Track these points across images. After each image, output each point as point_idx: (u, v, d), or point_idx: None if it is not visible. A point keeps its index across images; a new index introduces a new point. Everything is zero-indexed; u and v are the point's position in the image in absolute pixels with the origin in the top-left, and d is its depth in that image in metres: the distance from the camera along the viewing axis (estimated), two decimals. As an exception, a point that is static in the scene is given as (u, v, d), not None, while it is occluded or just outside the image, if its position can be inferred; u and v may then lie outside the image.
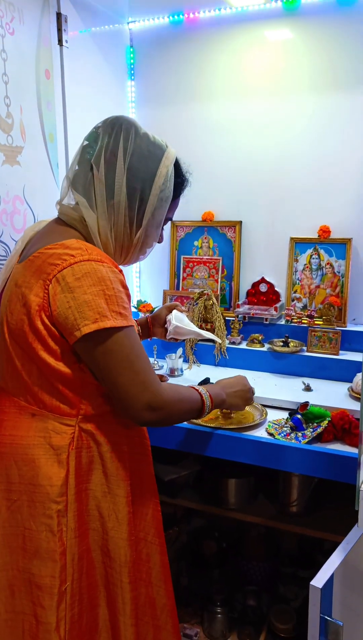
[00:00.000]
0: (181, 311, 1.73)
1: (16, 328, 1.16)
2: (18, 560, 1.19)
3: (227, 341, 2.21)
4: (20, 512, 1.19)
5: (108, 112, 2.25)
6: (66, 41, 1.86)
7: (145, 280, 2.59)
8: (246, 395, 1.56)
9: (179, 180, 1.29)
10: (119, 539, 1.24)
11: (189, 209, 2.44)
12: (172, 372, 2.11)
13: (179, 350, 2.13)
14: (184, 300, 2.36)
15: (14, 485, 1.19)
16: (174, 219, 2.45)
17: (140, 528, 1.32)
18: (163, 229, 1.33)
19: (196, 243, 2.44)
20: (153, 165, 1.20)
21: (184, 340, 1.86)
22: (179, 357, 2.12)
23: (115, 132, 1.19)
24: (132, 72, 2.41)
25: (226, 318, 2.26)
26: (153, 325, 1.78)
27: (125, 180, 1.17)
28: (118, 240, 1.22)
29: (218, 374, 2.09)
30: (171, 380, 2.00)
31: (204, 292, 2.24)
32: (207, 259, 2.41)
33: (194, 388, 1.36)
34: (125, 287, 1.16)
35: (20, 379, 1.20)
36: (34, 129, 1.72)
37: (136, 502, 1.30)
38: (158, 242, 1.34)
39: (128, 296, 1.16)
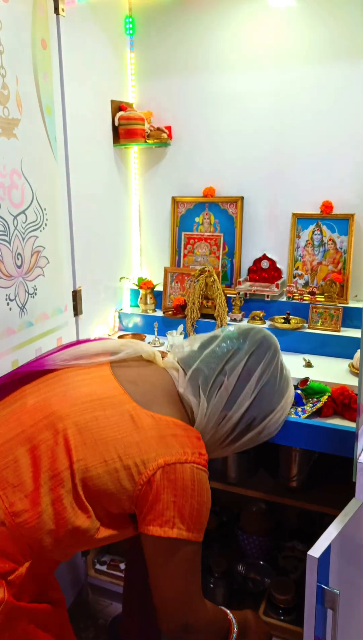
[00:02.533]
0: None
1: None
2: None
3: (228, 318, 2.20)
4: None
5: (107, 84, 2.24)
6: (63, 10, 1.82)
7: (146, 257, 2.58)
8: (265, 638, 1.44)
9: None
10: None
11: (190, 185, 2.42)
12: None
13: (180, 328, 2.13)
14: (185, 278, 2.35)
15: None
16: (175, 194, 2.45)
17: None
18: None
19: (197, 219, 2.42)
20: (276, 400, 1.25)
21: None
22: (180, 333, 2.12)
23: (260, 351, 1.23)
24: (131, 43, 2.37)
25: (228, 295, 2.25)
26: None
27: (248, 402, 1.20)
28: (210, 440, 1.24)
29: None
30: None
31: (206, 269, 2.22)
32: (208, 235, 2.40)
33: (229, 617, 1.31)
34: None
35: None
36: (30, 100, 1.69)
37: None
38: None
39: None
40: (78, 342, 1.37)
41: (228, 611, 1.32)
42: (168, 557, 1.11)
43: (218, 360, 1.21)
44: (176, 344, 1.33)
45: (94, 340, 1.38)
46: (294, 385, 1.69)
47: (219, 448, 1.26)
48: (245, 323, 1.32)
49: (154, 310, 2.41)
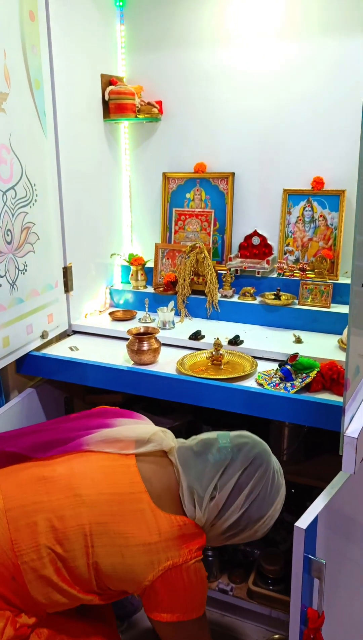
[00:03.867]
0: None
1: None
2: None
3: (219, 294, 2.21)
4: None
5: (97, 58, 2.21)
6: (51, -19, 1.79)
7: (136, 233, 2.57)
8: None
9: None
10: None
11: (181, 160, 2.40)
12: (164, 325, 2.11)
13: (171, 304, 2.13)
14: (176, 254, 2.35)
15: None
16: (165, 170, 2.43)
17: None
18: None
19: (188, 195, 2.40)
20: (266, 509, 1.30)
21: None
22: (171, 310, 2.12)
23: (252, 469, 1.30)
24: (121, 15, 2.32)
25: (218, 271, 2.25)
26: None
27: (237, 515, 1.28)
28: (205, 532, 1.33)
29: (209, 326, 2.10)
30: (162, 333, 2.00)
31: (196, 245, 2.22)
32: (199, 211, 2.39)
33: None
34: None
35: None
36: (19, 74, 1.66)
37: None
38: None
39: None
40: (107, 412, 1.50)
41: None
42: (175, 633, 1.27)
43: (211, 474, 1.29)
44: (180, 443, 1.42)
45: (124, 417, 1.46)
46: (284, 361, 1.71)
47: (219, 541, 1.36)
48: (241, 432, 1.42)
49: (145, 287, 2.41)
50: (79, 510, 1.22)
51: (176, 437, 1.97)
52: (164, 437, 1.39)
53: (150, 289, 2.39)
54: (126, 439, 1.35)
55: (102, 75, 2.22)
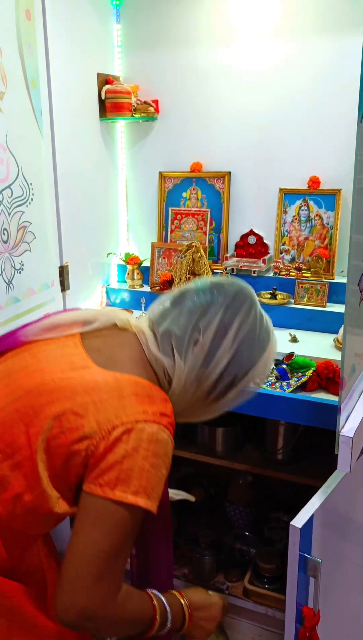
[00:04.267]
0: None
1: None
2: None
3: (215, 293, 2.21)
4: None
5: (93, 57, 2.20)
6: (47, -20, 1.79)
7: (133, 232, 2.57)
8: (211, 626, 1.24)
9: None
10: None
11: (177, 160, 2.40)
12: (160, 324, 2.11)
13: (167, 303, 2.14)
14: (172, 253, 2.35)
15: None
16: (162, 169, 2.43)
17: None
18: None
19: (184, 194, 2.41)
20: (257, 354, 1.13)
21: None
22: (168, 309, 2.12)
23: (235, 305, 1.11)
24: (118, 14, 2.32)
25: (215, 270, 2.26)
26: None
27: (226, 359, 1.09)
28: (189, 404, 1.14)
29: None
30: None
31: (193, 244, 2.22)
32: (195, 210, 2.39)
33: (153, 603, 1.08)
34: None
35: None
36: (15, 73, 1.66)
37: None
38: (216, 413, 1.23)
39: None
40: (53, 314, 1.24)
41: (156, 596, 1.11)
42: (98, 520, 0.95)
43: (191, 316, 1.10)
44: (151, 306, 1.20)
45: (70, 310, 1.26)
46: (280, 360, 1.72)
47: (205, 406, 1.17)
48: (217, 276, 1.18)
49: (141, 286, 2.41)
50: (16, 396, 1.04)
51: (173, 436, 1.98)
52: (116, 313, 1.20)
53: (146, 288, 2.39)
54: (67, 322, 1.16)
55: (98, 74, 2.22)
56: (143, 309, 2.23)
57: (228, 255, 2.31)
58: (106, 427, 0.95)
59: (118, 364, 1.07)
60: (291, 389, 1.59)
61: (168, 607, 1.10)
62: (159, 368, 1.11)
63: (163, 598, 1.10)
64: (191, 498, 1.68)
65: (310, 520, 1.14)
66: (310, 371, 1.63)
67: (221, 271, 2.24)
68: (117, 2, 2.29)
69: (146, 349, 1.11)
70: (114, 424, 0.96)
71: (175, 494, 1.57)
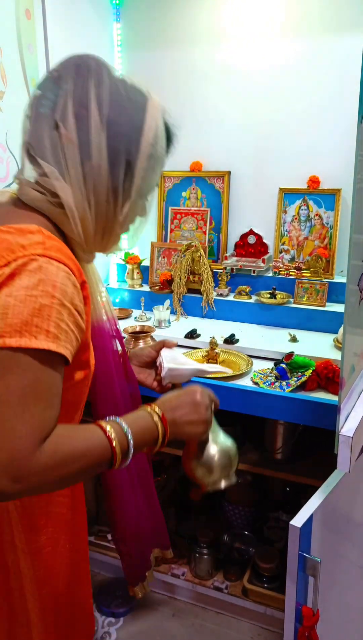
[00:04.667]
0: (171, 346, 1.31)
1: None
2: None
3: (215, 293, 2.21)
4: None
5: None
6: (47, -21, 1.79)
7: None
8: (200, 416, 1.05)
9: (168, 136, 1.00)
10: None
11: (177, 160, 2.39)
12: (160, 324, 2.12)
13: (167, 302, 2.14)
14: (172, 253, 2.35)
15: None
16: (162, 169, 2.42)
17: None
18: (148, 200, 1.04)
19: (184, 194, 2.41)
20: (137, 116, 0.93)
21: (185, 382, 1.31)
22: (167, 308, 2.12)
23: (81, 76, 0.91)
24: (118, 13, 2.32)
25: (214, 270, 2.26)
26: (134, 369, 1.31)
27: (104, 138, 0.90)
28: (100, 218, 0.94)
29: (205, 325, 2.11)
30: (158, 331, 2.01)
31: (192, 244, 2.22)
32: (195, 210, 2.39)
33: (105, 431, 0.87)
34: (80, 302, 0.86)
35: None
36: (15, 72, 1.66)
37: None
38: (141, 216, 1.03)
39: (82, 313, 0.86)
40: None
41: (110, 421, 0.90)
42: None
43: (42, 118, 0.91)
44: None
45: None
46: (279, 360, 1.72)
47: (119, 227, 0.98)
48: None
49: (141, 285, 2.41)
50: None
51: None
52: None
53: (146, 288, 2.39)
54: None
55: (98, 74, 2.22)
56: (142, 308, 2.23)
57: (227, 254, 2.31)
58: None
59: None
60: (290, 389, 1.59)
61: (126, 428, 0.89)
62: (45, 205, 0.92)
63: (119, 420, 0.90)
64: (226, 370, 1.43)
65: (310, 520, 1.14)
66: (310, 371, 1.63)
67: (221, 270, 2.24)
68: (117, 2, 2.29)
69: (22, 197, 0.93)
70: None
71: (207, 367, 1.32)
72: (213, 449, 1.14)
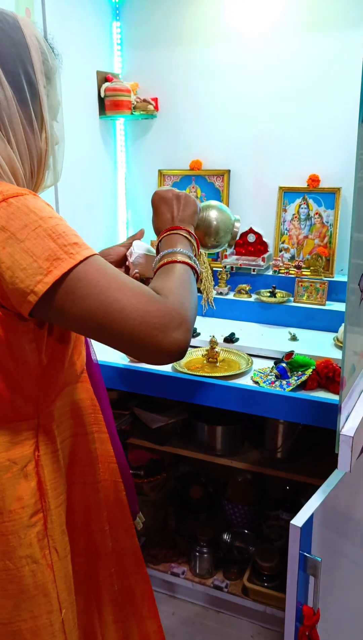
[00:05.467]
0: (141, 237, 1.29)
1: None
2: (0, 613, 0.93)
3: (214, 292, 2.21)
4: None
5: (93, 55, 2.20)
6: (47, -23, 1.78)
7: (132, 230, 2.56)
8: (179, 202, 1.09)
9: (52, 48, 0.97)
10: (98, 530, 1.11)
11: (176, 158, 2.39)
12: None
13: (167, 301, 2.13)
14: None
15: None
16: (161, 167, 2.42)
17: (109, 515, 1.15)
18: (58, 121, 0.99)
19: (183, 192, 2.40)
20: (17, 35, 0.87)
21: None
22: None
23: None
24: (117, 12, 2.31)
25: (214, 268, 2.25)
26: None
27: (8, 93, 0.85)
28: (24, 154, 0.90)
29: (204, 324, 2.10)
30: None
31: (192, 242, 2.22)
32: (195, 208, 2.38)
33: (175, 261, 0.97)
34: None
35: None
36: (14, 71, 1.66)
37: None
38: (57, 143, 0.99)
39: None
40: None
41: (181, 252, 0.98)
42: (78, 300, 0.80)
43: None
44: None
45: None
46: (279, 359, 1.72)
47: (43, 160, 0.95)
48: None
49: (140, 284, 2.41)
50: None
51: (172, 435, 1.98)
52: None
53: (145, 286, 2.38)
54: None
55: (98, 72, 2.22)
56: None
57: (227, 253, 2.31)
58: None
59: None
60: (291, 388, 1.59)
61: (181, 249, 0.99)
62: None
63: (178, 250, 0.99)
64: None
65: (310, 519, 1.14)
66: (310, 370, 1.63)
67: (221, 269, 2.24)
68: (117, 0, 2.29)
69: None
70: None
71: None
72: (213, 214, 1.23)
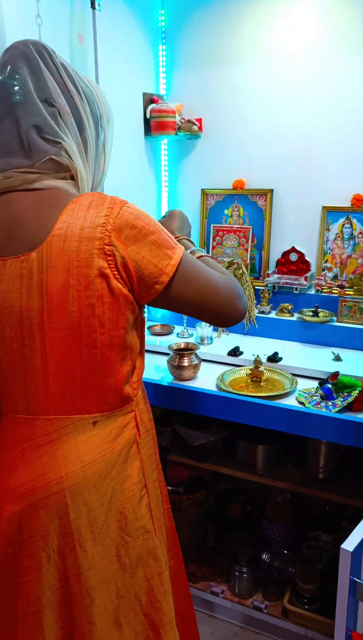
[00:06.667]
0: None
1: (78, 321, 0.96)
2: (118, 586, 1.05)
3: (256, 310, 2.22)
4: (108, 535, 1.04)
5: (139, 77, 2.25)
6: (99, 4, 1.84)
7: (174, 248, 2.60)
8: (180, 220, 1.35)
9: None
10: (165, 507, 1.28)
11: (219, 177, 2.42)
12: (202, 341, 2.13)
13: (209, 319, 2.15)
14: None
15: (95, 512, 1.02)
16: (204, 186, 2.45)
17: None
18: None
19: (226, 211, 2.43)
20: (89, 84, 1.09)
21: None
22: (209, 325, 2.14)
23: (42, 56, 1.01)
24: (163, 35, 2.37)
25: (256, 287, 2.26)
26: None
27: (87, 107, 1.05)
28: (93, 175, 1.14)
29: (247, 342, 2.11)
30: (201, 348, 2.02)
31: (234, 261, 2.23)
32: (237, 227, 2.40)
33: (204, 254, 1.21)
34: None
35: (74, 388, 1.00)
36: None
37: None
38: (104, 170, 1.21)
39: None
40: None
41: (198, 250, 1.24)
42: (188, 280, 1.02)
43: (31, 104, 0.98)
44: None
45: None
46: (324, 379, 1.71)
47: (98, 182, 1.17)
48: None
49: (182, 302, 2.43)
50: None
51: (212, 453, 1.99)
52: None
53: (187, 304, 2.40)
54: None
55: (144, 94, 2.27)
56: (184, 324, 2.25)
57: (269, 272, 2.32)
58: (104, 230, 0.96)
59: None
60: (337, 409, 1.58)
61: (198, 247, 1.25)
62: (61, 183, 1.02)
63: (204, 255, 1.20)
64: None
65: (361, 544, 1.13)
66: (357, 391, 1.62)
67: (263, 288, 2.25)
68: (163, 24, 2.34)
69: (33, 185, 1.00)
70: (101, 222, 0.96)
71: None
72: None
